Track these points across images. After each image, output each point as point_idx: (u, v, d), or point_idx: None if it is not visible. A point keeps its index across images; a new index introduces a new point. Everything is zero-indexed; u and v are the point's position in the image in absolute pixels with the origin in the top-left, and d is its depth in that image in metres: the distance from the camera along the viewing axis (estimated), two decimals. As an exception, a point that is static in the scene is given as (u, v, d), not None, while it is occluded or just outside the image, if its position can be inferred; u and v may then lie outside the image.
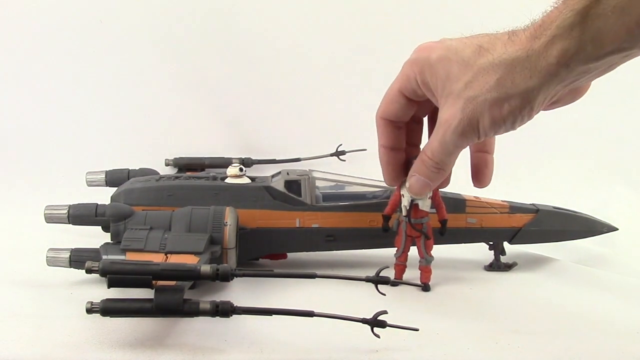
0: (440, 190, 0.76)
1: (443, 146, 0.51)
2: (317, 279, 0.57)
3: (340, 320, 0.56)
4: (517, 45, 0.45)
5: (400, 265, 0.72)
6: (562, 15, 0.42)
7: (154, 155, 1.00)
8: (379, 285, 0.57)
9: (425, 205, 0.69)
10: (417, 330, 0.56)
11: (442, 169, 0.54)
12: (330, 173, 0.82)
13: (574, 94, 0.50)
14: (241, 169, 0.80)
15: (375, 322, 0.55)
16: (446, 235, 0.75)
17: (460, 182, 0.90)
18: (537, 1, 0.46)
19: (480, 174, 0.60)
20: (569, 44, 0.42)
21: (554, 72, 0.43)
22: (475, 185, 0.61)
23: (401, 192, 0.69)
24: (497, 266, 0.80)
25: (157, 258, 0.63)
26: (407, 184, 0.61)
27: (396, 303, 0.57)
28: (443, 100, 0.50)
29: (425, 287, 0.71)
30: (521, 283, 0.77)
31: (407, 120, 0.59)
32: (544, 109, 0.49)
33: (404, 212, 0.69)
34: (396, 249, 0.72)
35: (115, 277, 0.55)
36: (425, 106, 0.57)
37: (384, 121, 0.59)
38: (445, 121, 0.49)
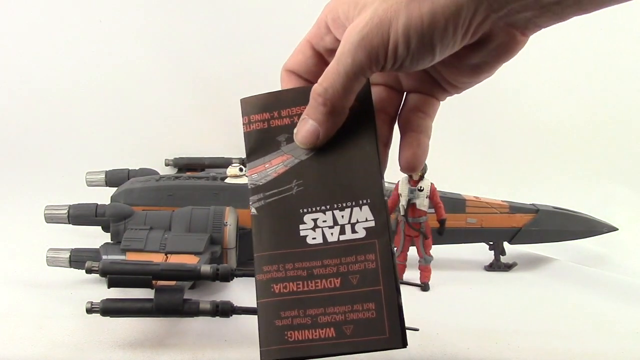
0: (440, 190, 0.76)
1: (338, 64, 0.38)
2: (317, 279, 0.57)
3: (340, 320, 0.56)
4: None
5: (400, 265, 0.72)
6: None
7: (154, 155, 1.00)
8: (379, 285, 0.57)
9: (423, 204, 0.69)
10: (417, 330, 0.56)
11: (332, 103, 0.38)
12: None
13: (505, 45, 0.38)
14: (241, 169, 0.80)
15: (375, 322, 0.55)
16: (446, 235, 0.75)
17: (460, 182, 0.90)
18: None
19: (409, 156, 0.42)
20: None
21: None
22: (401, 169, 0.42)
23: (399, 192, 0.69)
24: (497, 266, 0.80)
25: (157, 258, 0.63)
26: (407, 190, 0.61)
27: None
28: (355, 17, 0.38)
29: (425, 287, 0.71)
30: (521, 283, 0.77)
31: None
32: (463, 77, 0.40)
33: (402, 212, 0.69)
34: (395, 248, 0.72)
35: (115, 277, 0.55)
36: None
37: (288, 73, 0.46)
38: (348, 32, 0.37)
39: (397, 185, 0.68)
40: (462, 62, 0.39)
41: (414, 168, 0.41)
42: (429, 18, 0.36)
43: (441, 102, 0.46)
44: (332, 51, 0.41)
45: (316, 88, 0.39)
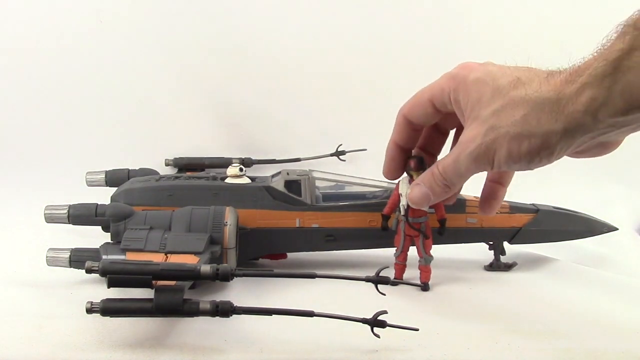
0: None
1: (455, 165, 0.52)
2: (317, 279, 0.57)
3: (340, 320, 0.56)
4: (551, 85, 0.44)
5: (400, 264, 0.72)
6: (595, 63, 0.42)
7: (154, 155, 1.00)
8: (379, 285, 0.57)
9: None
10: (417, 330, 0.56)
11: (448, 187, 0.55)
12: (330, 173, 0.82)
13: (603, 147, 0.49)
14: (241, 169, 0.80)
15: (375, 322, 0.56)
16: (446, 235, 0.75)
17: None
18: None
19: (487, 203, 0.60)
20: (598, 93, 0.42)
21: (579, 120, 0.43)
22: (480, 212, 0.62)
23: (399, 192, 0.69)
24: (497, 266, 0.80)
25: (157, 258, 0.63)
26: (407, 190, 0.61)
27: (396, 303, 0.57)
28: (469, 122, 0.50)
29: (425, 287, 0.71)
30: (521, 283, 0.77)
31: (428, 127, 0.60)
32: (571, 156, 0.50)
33: (402, 212, 0.69)
34: (395, 248, 0.73)
35: (115, 277, 0.55)
36: (452, 119, 0.57)
37: (404, 119, 0.59)
38: (464, 142, 0.50)
39: (397, 185, 0.68)
40: None
41: (490, 212, 0.61)
42: (525, 155, 0.46)
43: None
44: (450, 114, 0.54)
45: (438, 174, 0.54)
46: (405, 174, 0.65)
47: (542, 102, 0.44)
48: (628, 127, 0.43)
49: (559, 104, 0.43)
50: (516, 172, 0.60)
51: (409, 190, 0.60)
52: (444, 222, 0.72)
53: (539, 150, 0.46)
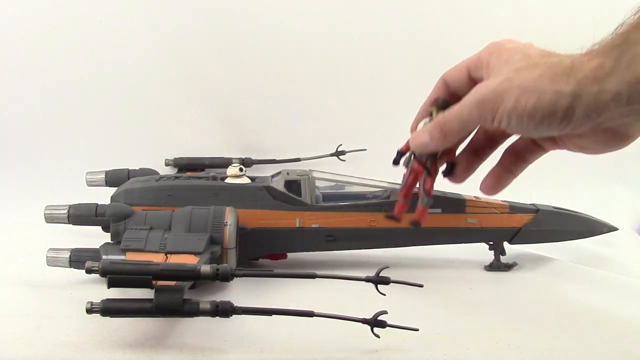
0: (440, 190, 0.76)
1: (460, 109, 0.51)
2: (317, 279, 0.57)
3: (340, 320, 0.56)
4: (571, 57, 0.46)
5: (401, 202, 0.64)
6: (608, 36, 0.45)
7: (154, 155, 1.00)
8: (379, 285, 0.57)
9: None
10: (417, 330, 0.56)
11: (445, 133, 0.53)
12: (330, 173, 0.82)
13: (612, 138, 0.48)
14: (241, 169, 0.80)
15: (375, 322, 0.56)
16: (446, 235, 0.75)
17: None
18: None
19: (490, 183, 0.58)
20: (605, 61, 0.43)
21: (588, 87, 0.44)
22: (481, 189, 0.59)
23: (418, 128, 0.60)
24: (497, 266, 0.80)
25: (157, 258, 0.63)
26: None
27: (396, 303, 0.57)
28: (491, 76, 0.51)
29: (416, 224, 0.63)
30: (521, 283, 0.77)
31: (480, 131, 0.59)
32: (578, 148, 0.50)
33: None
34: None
35: (115, 277, 0.55)
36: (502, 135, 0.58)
37: (442, 82, 0.59)
38: (476, 89, 0.50)
39: (416, 123, 0.60)
40: (568, 139, 0.50)
41: (488, 193, 0.58)
42: (530, 111, 0.46)
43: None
44: (480, 81, 0.52)
45: (440, 119, 0.53)
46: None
47: (558, 65, 0.46)
48: (631, 109, 0.43)
49: (572, 69, 0.45)
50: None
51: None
52: (452, 166, 0.62)
53: (544, 110, 0.45)
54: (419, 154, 0.60)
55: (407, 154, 0.63)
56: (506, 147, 0.58)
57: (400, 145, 0.60)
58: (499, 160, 0.58)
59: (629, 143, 0.49)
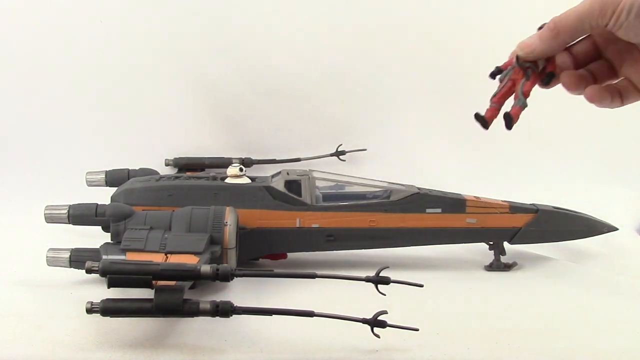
0: (439, 190, 0.76)
1: (577, 7, 0.49)
2: (317, 279, 0.57)
3: (340, 320, 0.56)
4: None
5: (493, 107, 0.60)
6: None
7: (154, 155, 1.00)
8: (379, 285, 0.57)
9: None
10: (417, 330, 0.56)
11: (558, 31, 0.51)
12: (330, 173, 0.82)
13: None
14: (241, 169, 0.80)
15: (375, 322, 0.56)
16: (446, 235, 0.75)
17: (460, 182, 0.90)
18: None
19: (584, 83, 0.56)
20: None
21: None
22: (566, 85, 0.57)
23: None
24: (497, 266, 0.80)
25: (157, 258, 0.63)
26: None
27: (396, 303, 0.57)
28: None
29: (508, 117, 0.59)
30: (521, 283, 0.77)
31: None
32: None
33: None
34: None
35: (115, 277, 0.55)
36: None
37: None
38: None
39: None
40: None
41: (595, 103, 0.55)
42: None
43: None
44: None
45: (553, 19, 0.51)
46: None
47: None
48: None
49: None
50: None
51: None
52: (551, 75, 0.60)
53: None
54: (522, 60, 0.57)
55: (506, 69, 0.60)
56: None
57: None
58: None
59: None
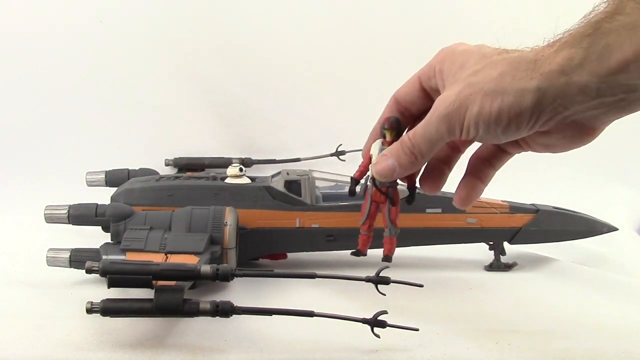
0: (441, 191, 0.75)
1: (426, 128, 0.47)
2: (317, 279, 0.57)
3: (340, 320, 0.56)
4: (532, 50, 0.44)
5: (364, 235, 0.60)
6: (577, 25, 0.41)
7: (154, 155, 1.00)
8: (379, 285, 0.57)
9: None
10: (417, 330, 0.56)
11: (415, 157, 0.49)
12: (330, 173, 0.82)
13: (578, 132, 0.45)
14: (241, 169, 0.80)
15: (375, 322, 0.56)
16: (446, 235, 0.75)
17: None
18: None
19: (465, 195, 0.54)
20: (575, 52, 0.40)
21: (554, 81, 0.41)
22: (455, 203, 0.55)
23: (371, 153, 0.58)
24: (497, 266, 0.80)
25: (157, 258, 0.63)
26: (378, 154, 0.53)
27: (396, 303, 0.57)
28: (448, 85, 0.48)
29: (387, 259, 0.60)
30: (521, 283, 0.77)
31: (417, 116, 0.55)
32: (544, 148, 0.47)
33: (371, 174, 0.57)
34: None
35: (115, 277, 0.55)
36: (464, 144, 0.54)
37: (393, 99, 0.56)
38: (438, 103, 0.47)
39: (369, 146, 0.58)
40: (534, 140, 0.47)
41: (464, 206, 0.54)
42: (496, 115, 0.43)
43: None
44: (434, 91, 0.51)
45: (406, 141, 0.49)
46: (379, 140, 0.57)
47: (520, 61, 0.43)
48: (600, 102, 0.41)
49: (536, 63, 0.42)
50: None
51: (379, 150, 0.54)
52: (413, 190, 0.59)
53: (509, 110, 0.42)
54: (380, 182, 0.55)
55: (363, 182, 0.58)
56: (470, 155, 0.54)
57: (353, 172, 0.56)
58: (467, 170, 0.54)
59: (595, 137, 0.46)
